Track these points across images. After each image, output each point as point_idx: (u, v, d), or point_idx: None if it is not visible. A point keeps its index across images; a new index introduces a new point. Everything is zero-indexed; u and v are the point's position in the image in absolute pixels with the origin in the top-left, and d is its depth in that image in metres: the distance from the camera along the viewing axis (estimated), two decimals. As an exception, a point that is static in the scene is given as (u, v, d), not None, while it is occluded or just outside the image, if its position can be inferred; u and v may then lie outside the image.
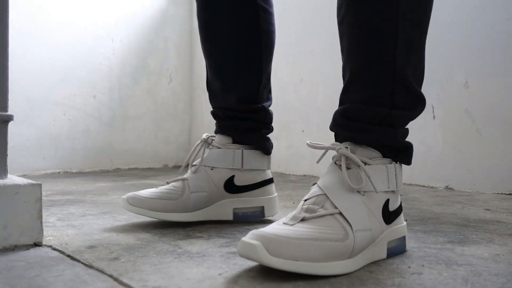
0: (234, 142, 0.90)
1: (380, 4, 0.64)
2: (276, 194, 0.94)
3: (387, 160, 0.67)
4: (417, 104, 0.69)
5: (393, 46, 0.64)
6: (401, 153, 0.69)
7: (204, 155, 0.89)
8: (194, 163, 0.90)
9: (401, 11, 0.64)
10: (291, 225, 0.59)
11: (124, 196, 0.86)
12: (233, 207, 0.89)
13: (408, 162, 0.70)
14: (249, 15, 0.89)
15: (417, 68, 0.68)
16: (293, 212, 0.63)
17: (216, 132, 0.93)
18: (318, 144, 0.67)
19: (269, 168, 0.93)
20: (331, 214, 0.61)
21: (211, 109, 0.96)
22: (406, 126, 0.71)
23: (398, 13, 0.63)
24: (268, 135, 0.94)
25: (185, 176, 0.89)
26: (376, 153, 0.67)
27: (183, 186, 0.87)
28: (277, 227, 0.59)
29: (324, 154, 0.71)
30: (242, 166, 0.89)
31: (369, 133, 0.66)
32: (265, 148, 0.91)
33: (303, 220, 0.60)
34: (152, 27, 2.38)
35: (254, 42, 0.90)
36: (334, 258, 0.57)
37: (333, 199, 0.62)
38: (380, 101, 0.66)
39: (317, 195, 0.64)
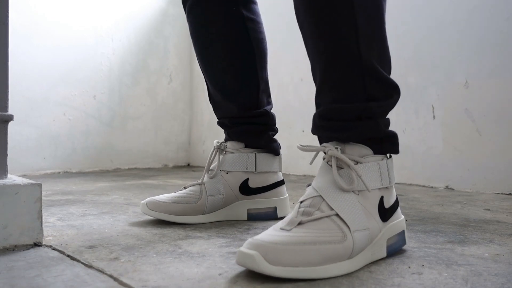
0: (246, 146, 0.94)
1: (335, 3, 0.65)
2: (287, 195, 0.97)
3: (379, 156, 0.67)
4: (392, 92, 0.68)
5: (356, 41, 0.64)
6: (386, 143, 0.69)
7: (220, 160, 0.93)
8: (210, 169, 0.93)
9: (356, 6, 0.64)
10: (288, 230, 0.59)
11: (144, 201, 0.89)
12: (247, 208, 0.93)
13: (395, 151, 0.70)
14: (238, 28, 0.93)
15: (383, 57, 0.68)
16: (290, 216, 0.62)
17: (227, 140, 0.97)
18: (308, 146, 0.67)
19: (280, 170, 0.97)
20: (328, 216, 0.60)
21: (213, 112, 1.00)
22: (387, 117, 0.70)
23: (354, 9, 0.64)
24: (275, 137, 0.97)
25: (201, 181, 0.92)
26: (366, 150, 0.66)
27: (200, 190, 0.91)
28: (274, 234, 0.59)
29: (316, 155, 0.71)
30: (255, 169, 0.93)
31: (351, 130, 0.66)
32: (274, 149, 0.95)
33: (300, 224, 0.60)
34: (152, 27, 2.38)
35: (247, 52, 0.94)
36: (333, 260, 0.57)
37: (329, 200, 0.62)
38: (354, 97, 0.66)
39: (312, 196, 0.63)
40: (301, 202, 0.64)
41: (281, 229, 0.60)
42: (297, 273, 0.55)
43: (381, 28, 0.68)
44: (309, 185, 0.67)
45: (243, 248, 0.57)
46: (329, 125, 0.68)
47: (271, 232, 0.60)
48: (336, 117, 0.67)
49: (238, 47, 0.94)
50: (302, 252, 0.56)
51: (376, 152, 0.67)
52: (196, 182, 0.92)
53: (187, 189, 0.92)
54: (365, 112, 0.66)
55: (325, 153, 0.67)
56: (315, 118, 0.70)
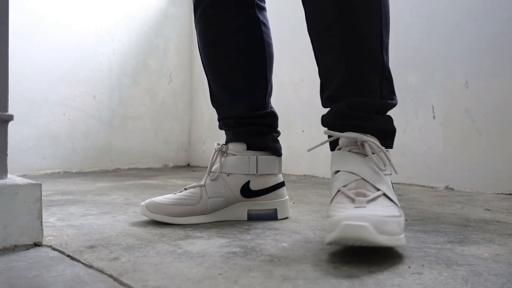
0: (248, 148, 0.94)
1: (367, 13, 0.76)
2: (287, 197, 0.97)
3: (383, 147, 0.76)
4: (394, 95, 0.80)
5: (380, 48, 0.76)
6: (390, 137, 0.79)
7: (221, 163, 0.93)
8: (212, 171, 0.93)
9: (383, 18, 0.76)
10: (365, 207, 0.64)
11: (143, 203, 0.90)
12: (248, 209, 0.93)
13: (391, 145, 0.80)
14: (254, 31, 0.94)
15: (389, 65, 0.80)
16: (346, 198, 0.68)
17: (229, 141, 0.96)
18: (335, 132, 0.76)
19: (280, 172, 0.97)
20: (380, 195, 0.68)
21: (213, 113, 1.02)
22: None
23: (381, 19, 0.76)
24: (277, 138, 0.98)
25: (202, 182, 0.92)
26: (377, 141, 0.75)
27: (200, 192, 0.90)
28: (358, 209, 0.64)
29: (322, 144, 0.79)
30: (257, 172, 0.93)
31: (374, 120, 0.76)
32: (277, 150, 0.96)
33: (369, 202, 0.66)
34: (152, 27, 2.38)
35: (259, 54, 0.95)
36: (403, 231, 0.64)
37: (374, 182, 0.69)
38: (373, 94, 0.77)
39: (355, 180, 0.70)
40: (344, 186, 0.70)
41: (356, 207, 0.65)
42: (395, 242, 0.61)
43: (389, 38, 0.79)
44: (337, 171, 0.74)
45: (350, 221, 0.58)
46: (353, 115, 0.76)
47: (352, 209, 0.64)
48: (361, 109, 0.76)
49: (251, 49, 0.95)
50: (396, 223, 0.62)
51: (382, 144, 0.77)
52: (196, 184, 0.92)
53: (187, 191, 0.91)
54: (382, 108, 0.78)
55: (337, 143, 0.77)
56: (340, 108, 0.77)
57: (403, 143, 1.58)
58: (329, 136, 0.78)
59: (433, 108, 1.55)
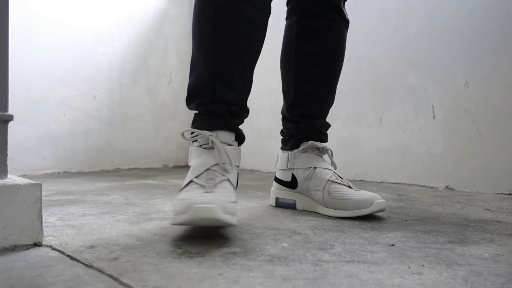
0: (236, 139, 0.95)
1: (343, 60, 1.10)
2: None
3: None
4: None
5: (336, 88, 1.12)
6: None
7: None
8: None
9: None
10: (359, 190, 0.99)
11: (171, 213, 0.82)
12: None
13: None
14: (265, 24, 0.92)
15: None
16: (340, 185, 0.99)
17: (231, 130, 0.93)
18: (319, 143, 1.09)
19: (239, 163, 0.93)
20: None
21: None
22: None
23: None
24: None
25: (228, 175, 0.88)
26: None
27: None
28: (365, 192, 0.97)
29: (300, 150, 1.07)
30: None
31: (327, 136, 1.11)
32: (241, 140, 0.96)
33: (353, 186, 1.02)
34: (152, 27, 2.38)
35: (259, 49, 0.93)
36: None
37: (339, 174, 1.07)
38: (326, 116, 1.12)
39: (333, 173, 1.03)
40: (330, 177, 1.01)
41: (357, 190, 0.98)
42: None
43: None
44: (315, 168, 1.04)
45: (379, 200, 0.93)
46: (323, 132, 1.10)
47: (359, 191, 0.97)
48: (326, 128, 1.10)
49: (258, 42, 0.92)
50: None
51: None
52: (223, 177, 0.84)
53: (219, 188, 0.80)
54: (328, 126, 1.12)
55: (295, 145, 1.09)
56: (316, 125, 1.07)
57: (403, 143, 1.58)
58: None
59: (433, 108, 1.55)
